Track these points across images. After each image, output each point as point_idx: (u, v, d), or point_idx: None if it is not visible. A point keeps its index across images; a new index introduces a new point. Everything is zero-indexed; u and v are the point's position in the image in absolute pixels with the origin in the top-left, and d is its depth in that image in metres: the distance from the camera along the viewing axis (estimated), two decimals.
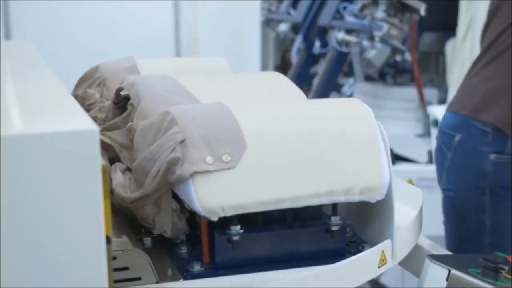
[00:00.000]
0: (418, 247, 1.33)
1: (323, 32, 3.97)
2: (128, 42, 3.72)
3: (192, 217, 1.16)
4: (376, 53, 3.54)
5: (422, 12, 3.42)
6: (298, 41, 4.16)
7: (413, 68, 3.43)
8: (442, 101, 3.49)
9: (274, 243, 1.13)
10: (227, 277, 1.09)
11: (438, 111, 2.95)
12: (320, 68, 3.97)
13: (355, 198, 1.12)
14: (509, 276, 1.18)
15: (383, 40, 3.45)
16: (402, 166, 3.01)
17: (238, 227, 1.09)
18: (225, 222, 1.08)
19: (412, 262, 1.33)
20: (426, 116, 3.26)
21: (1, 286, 0.83)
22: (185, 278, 1.08)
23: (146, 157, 1.10)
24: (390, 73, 3.79)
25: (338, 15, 3.75)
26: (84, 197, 0.85)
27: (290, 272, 1.10)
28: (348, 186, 1.11)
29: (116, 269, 1.04)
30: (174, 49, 3.88)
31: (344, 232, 1.17)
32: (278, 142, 1.09)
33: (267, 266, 1.11)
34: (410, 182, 2.71)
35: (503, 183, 1.90)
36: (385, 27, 3.44)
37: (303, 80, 4.10)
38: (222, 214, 1.05)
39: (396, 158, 3.22)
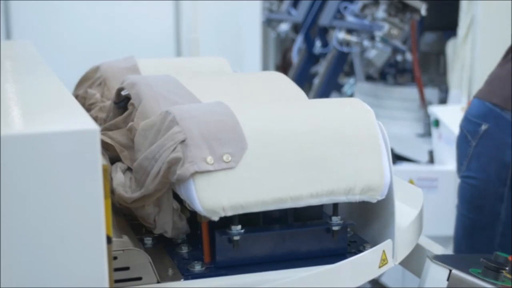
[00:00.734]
0: (419, 247, 1.33)
1: (323, 32, 3.97)
2: (128, 42, 3.72)
3: (193, 217, 1.16)
4: (377, 53, 3.54)
5: (423, 12, 3.42)
6: (299, 41, 4.16)
7: (413, 68, 3.42)
8: (442, 101, 3.48)
9: (275, 243, 1.13)
10: (227, 277, 1.09)
11: (438, 111, 2.95)
12: (321, 68, 3.97)
13: (356, 198, 1.12)
14: (509, 276, 1.17)
15: (384, 40, 3.44)
16: (403, 166, 3.00)
17: (239, 227, 1.09)
18: (226, 222, 1.08)
19: (413, 262, 1.33)
20: (427, 116, 3.25)
21: (1, 286, 0.83)
22: (186, 278, 1.08)
23: (147, 157, 1.10)
24: (391, 73, 3.79)
25: (338, 15, 3.75)
26: (84, 196, 0.85)
27: (291, 272, 1.10)
28: (349, 186, 1.10)
29: (116, 269, 1.04)
30: (175, 49, 3.88)
31: (345, 232, 1.17)
32: (278, 142, 1.08)
33: (268, 266, 1.11)
34: (411, 182, 2.71)
35: None
36: (386, 27, 3.43)
37: (303, 80, 4.10)
38: (222, 214, 1.05)
39: (397, 158, 3.22)
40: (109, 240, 0.89)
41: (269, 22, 4.56)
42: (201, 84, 1.34)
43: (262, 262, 1.12)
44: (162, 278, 1.08)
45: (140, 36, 3.77)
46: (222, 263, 1.11)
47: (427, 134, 3.36)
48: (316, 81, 3.94)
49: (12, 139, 0.82)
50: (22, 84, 1.18)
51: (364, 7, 3.61)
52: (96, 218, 0.86)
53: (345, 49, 3.68)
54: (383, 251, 1.15)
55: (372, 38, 3.51)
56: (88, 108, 1.47)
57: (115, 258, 1.05)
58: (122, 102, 1.34)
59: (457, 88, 3.27)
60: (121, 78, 1.35)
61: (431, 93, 3.53)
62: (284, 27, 4.36)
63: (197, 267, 1.10)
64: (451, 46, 3.38)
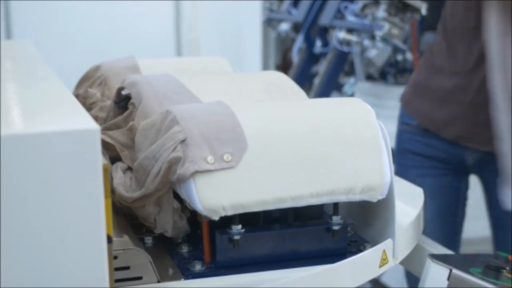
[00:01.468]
0: (419, 246, 1.33)
1: (324, 32, 3.97)
2: (128, 42, 3.72)
3: (193, 217, 1.16)
4: (377, 53, 3.54)
5: (423, 11, 3.42)
6: (299, 41, 4.16)
7: (414, 68, 3.42)
8: None
9: (275, 242, 1.13)
10: (228, 276, 1.09)
11: None
12: (321, 68, 3.97)
13: (356, 197, 1.12)
14: (510, 276, 1.17)
15: (384, 40, 3.44)
16: None
17: (239, 226, 1.09)
18: (226, 221, 1.08)
19: (413, 262, 1.33)
20: None
21: (2, 286, 0.83)
22: (186, 278, 1.08)
23: (147, 157, 1.10)
24: (391, 72, 3.79)
25: (339, 14, 3.75)
26: (85, 196, 0.85)
27: (291, 272, 1.10)
28: (349, 185, 1.10)
29: (117, 269, 1.04)
30: (175, 49, 3.88)
31: (345, 231, 1.17)
32: (279, 142, 1.08)
33: (268, 265, 1.11)
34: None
35: None
36: (386, 26, 3.43)
37: (304, 80, 4.10)
38: (223, 214, 1.05)
39: None
40: (109, 239, 0.89)
41: (269, 22, 4.56)
42: (201, 83, 1.34)
43: (262, 262, 1.12)
44: (162, 278, 1.08)
45: (140, 36, 3.77)
46: (222, 263, 1.11)
47: None
48: (317, 80, 3.94)
49: (12, 138, 0.82)
50: (22, 83, 1.18)
51: (365, 6, 3.61)
52: (96, 218, 0.86)
53: (345, 48, 3.68)
54: (384, 250, 1.15)
55: (372, 37, 3.51)
56: (88, 108, 1.47)
57: (115, 257, 1.05)
58: (123, 102, 1.34)
59: None
60: (122, 78, 1.35)
61: None
62: (284, 26, 4.36)
63: (198, 267, 1.10)
64: None
